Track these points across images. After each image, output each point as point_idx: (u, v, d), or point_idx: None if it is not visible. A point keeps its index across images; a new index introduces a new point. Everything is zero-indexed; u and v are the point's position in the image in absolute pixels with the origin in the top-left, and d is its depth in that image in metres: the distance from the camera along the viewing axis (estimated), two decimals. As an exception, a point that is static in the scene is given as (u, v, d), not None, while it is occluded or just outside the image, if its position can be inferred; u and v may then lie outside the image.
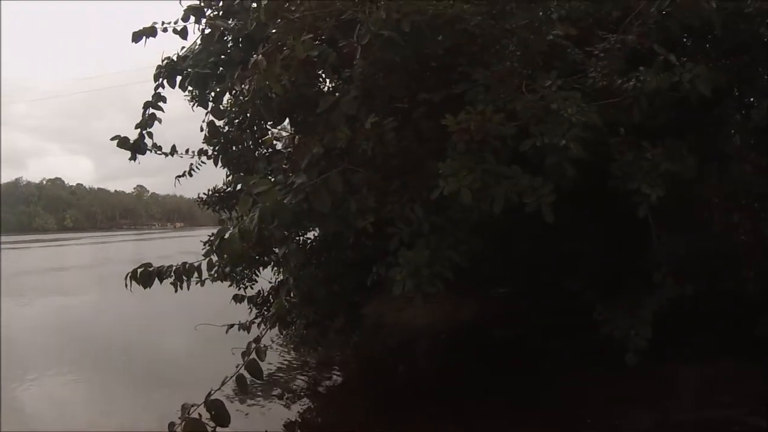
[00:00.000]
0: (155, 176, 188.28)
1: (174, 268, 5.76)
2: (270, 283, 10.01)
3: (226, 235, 5.10)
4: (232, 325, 9.31)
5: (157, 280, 5.95)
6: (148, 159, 7.47)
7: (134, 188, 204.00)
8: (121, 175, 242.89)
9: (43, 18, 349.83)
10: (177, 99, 7.58)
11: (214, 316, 9.26)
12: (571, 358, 7.84)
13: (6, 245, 71.72)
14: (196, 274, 6.10)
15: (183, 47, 7.40)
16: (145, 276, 5.74)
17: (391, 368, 9.52)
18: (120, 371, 12.16)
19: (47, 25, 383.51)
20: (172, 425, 4.88)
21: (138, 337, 16.10)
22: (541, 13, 5.92)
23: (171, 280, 6.02)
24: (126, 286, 5.75)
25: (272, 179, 5.98)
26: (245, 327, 8.99)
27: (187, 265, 5.73)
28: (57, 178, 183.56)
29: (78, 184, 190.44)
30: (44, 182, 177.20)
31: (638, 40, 5.63)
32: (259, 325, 8.92)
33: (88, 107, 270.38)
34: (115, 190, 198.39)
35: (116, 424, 8.78)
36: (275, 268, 9.72)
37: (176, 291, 6.08)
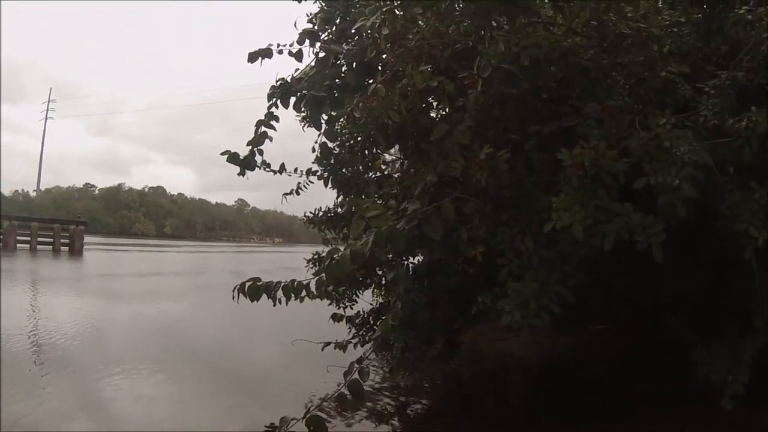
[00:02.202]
0: (256, 191, 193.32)
1: (282, 284, 5.84)
2: (370, 305, 10.14)
3: (337, 256, 5.20)
4: (328, 343, 9.42)
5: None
6: (250, 174, 7.60)
7: (235, 201, 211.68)
8: (222, 188, 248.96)
9: (149, 31, 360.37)
10: (282, 118, 7.69)
11: (304, 331, 9.37)
12: (666, 398, 7.73)
13: (106, 247, 74.03)
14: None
15: (297, 69, 7.55)
16: (254, 290, 5.82)
17: (480, 397, 9.48)
18: (210, 376, 12.44)
19: (154, 38, 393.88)
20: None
21: (230, 345, 16.41)
22: (656, 48, 5.89)
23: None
24: (233, 298, 5.87)
25: (381, 203, 6.08)
26: (341, 346, 9.10)
27: (296, 283, 5.79)
28: (159, 187, 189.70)
29: (179, 193, 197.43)
30: (146, 189, 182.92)
31: (746, 76, 5.54)
32: (355, 346, 9.04)
33: (191, 120, 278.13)
34: (216, 202, 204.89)
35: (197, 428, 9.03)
36: (376, 291, 9.82)
37: (275, 305, 6.06)
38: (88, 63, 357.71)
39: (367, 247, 4.91)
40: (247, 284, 5.86)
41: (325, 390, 8.06)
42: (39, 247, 59.26)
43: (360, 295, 9.92)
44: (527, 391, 9.10)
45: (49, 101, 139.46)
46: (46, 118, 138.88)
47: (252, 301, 5.90)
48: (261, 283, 5.86)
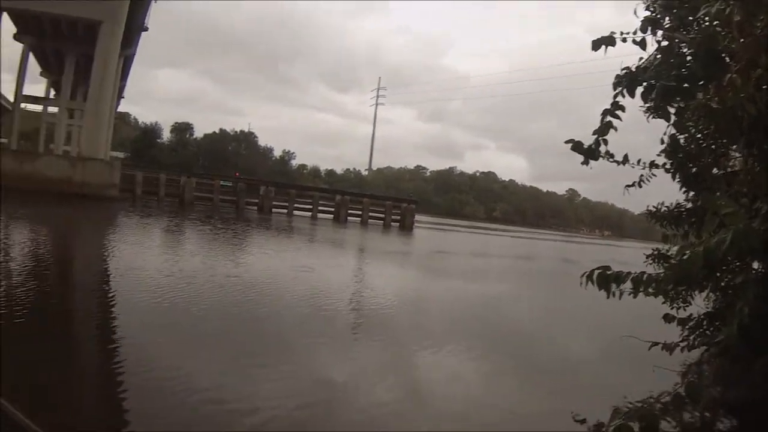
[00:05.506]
0: (587, 182, 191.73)
1: (632, 275, 5.73)
2: (706, 308, 9.60)
3: (688, 253, 5.00)
4: (656, 343, 9.05)
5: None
6: (580, 165, 7.49)
7: (566, 191, 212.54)
8: (553, 177, 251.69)
9: (480, 23, 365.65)
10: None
11: (621, 327, 9.10)
12: None
13: (436, 225, 77.03)
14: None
15: (641, 58, 7.24)
16: (602, 278, 5.72)
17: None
18: (519, 361, 12.75)
19: (484, 28, 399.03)
20: (599, 426, 4.90)
21: (546, 332, 16.41)
22: None
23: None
24: (581, 284, 5.75)
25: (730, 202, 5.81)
26: (669, 348, 8.79)
27: (645, 276, 5.67)
28: (490, 172, 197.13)
29: (510, 179, 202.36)
30: (478, 174, 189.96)
31: None
32: (682, 350, 8.69)
33: (523, 110, 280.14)
34: (547, 191, 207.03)
35: (510, 412, 9.21)
36: (709, 294, 9.35)
37: (608, 297, 5.76)
38: (415, 54, 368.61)
39: (723, 246, 4.66)
40: (596, 272, 5.75)
41: (639, 391, 7.81)
42: (370, 221, 62.88)
43: (694, 297, 9.46)
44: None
45: (378, 88, 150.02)
46: (377, 104, 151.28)
47: (600, 289, 5.77)
48: (610, 272, 5.74)
